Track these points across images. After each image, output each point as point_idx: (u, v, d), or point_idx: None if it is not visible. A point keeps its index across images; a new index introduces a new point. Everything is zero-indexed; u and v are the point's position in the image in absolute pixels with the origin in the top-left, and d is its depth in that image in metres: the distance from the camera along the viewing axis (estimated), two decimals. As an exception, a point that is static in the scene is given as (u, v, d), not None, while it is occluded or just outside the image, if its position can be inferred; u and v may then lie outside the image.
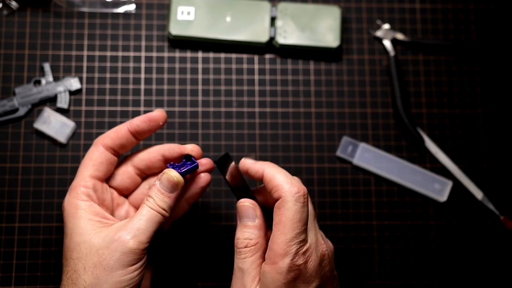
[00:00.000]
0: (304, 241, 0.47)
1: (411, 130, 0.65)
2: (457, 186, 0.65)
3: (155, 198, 0.50)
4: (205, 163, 0.54)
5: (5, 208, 0.62)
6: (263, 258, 0.49)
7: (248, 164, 0.51)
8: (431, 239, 0.64)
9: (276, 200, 0.48)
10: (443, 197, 0.64)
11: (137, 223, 0.48)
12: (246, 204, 0.50)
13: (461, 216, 0.65)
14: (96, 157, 0.52)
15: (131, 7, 0.67)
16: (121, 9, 0.67)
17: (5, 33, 0.65)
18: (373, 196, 0.65)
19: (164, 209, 0.50)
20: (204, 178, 0.54)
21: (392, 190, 0.65)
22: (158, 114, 0.53)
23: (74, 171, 0.62)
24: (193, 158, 0.53)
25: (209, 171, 0.54)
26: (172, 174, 0.50)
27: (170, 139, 0.64)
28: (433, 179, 0.65)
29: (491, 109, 0.68)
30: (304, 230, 0.47)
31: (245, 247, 0.49)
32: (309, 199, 0.49)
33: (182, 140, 0.64)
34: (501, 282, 0.64)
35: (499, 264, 0.64)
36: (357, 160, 0.65)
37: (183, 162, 0.53)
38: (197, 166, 0.53)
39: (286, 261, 0.46)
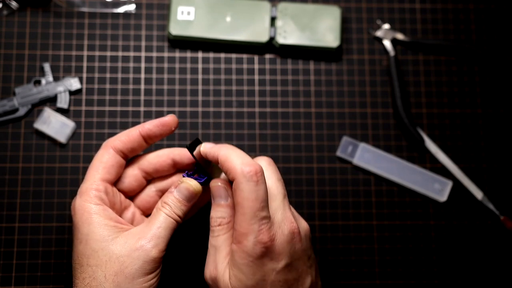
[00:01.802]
0: (266, 218, 0.46)
1: (411, 130, 0.65)
2: (457, 186, 0.65)
3: (172, 206, 0.50)
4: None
5: (5, 208, 0.62)
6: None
7: (207, 148, 0.51)
8: (431, 239, 0.64)
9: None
10: (443, 197, 0.64)
11: (157, 231, 0.48)
12: (218, 184, 0.50)
13: (461, 216, 0.65)
14: (106, 160, 0.52)
15: (131, 7, 0.67)
16: (121, 9, 0.67)
17: (5, 33, 0.65)
18: (373, 196, 0.65)
19: (180, 217, 0.50)
20: None
21: (392, 190, 0.65)
22: (170, 119, 0.53)
23: (74, 171, 0.63)
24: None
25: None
26: (192, 183, 0.51)
27: (170, 139, 0.64)
28: (433, 179, 0.65)
29: (491, 109, 0.68)
30: (263, 208, 0.46)
31: (218, 225, 0.49)
32: (276, 174, 0.50)
33: (182, 140, 0.64)
34: (501, 282, 0.64)
35: (499, 264, 0.64)
36: (357, 160, 0.65)
37: (196, 169, 0.53)
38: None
39: (250, 239, 0.46)
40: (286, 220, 0.48)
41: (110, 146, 0.52)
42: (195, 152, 0.51)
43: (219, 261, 0.48)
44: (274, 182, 0.50)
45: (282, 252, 0.47)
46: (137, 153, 0.54)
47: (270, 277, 0.47)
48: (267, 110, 0.66)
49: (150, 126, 0.52)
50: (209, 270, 0.49)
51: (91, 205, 0.49)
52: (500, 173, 0.66)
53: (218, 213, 0.50)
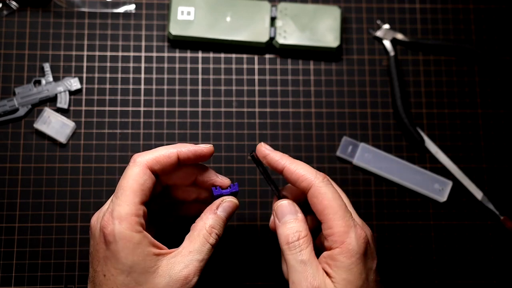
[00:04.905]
0: (352, 218, 0.48)
1: (411, 130, 0.65)
2: (457, 186, 0.65)
3: (217, 227, 0.50)
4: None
5: (5, 208, 0.62)
6: (314, 250, 0.49)
7: (267, 151, 0.52)
8: (431, 239, 0.64)
9: (303, 190, 0.50)
10: (443, 197, 0.64)
11: (199, 264, 0.48)
12: (285, 203, 0.51)
13: (461, 216, 0.65)
14: (144, 181, 0.48)
15: (131, 7, 0.67)
16: (121, 9, 0.67)
17: (5, 33, 0.65)
18: (373, 196, 0.65)
19: (219, 237, 0.50)
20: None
21: (392, 190, 0.65)
22: (208, 150, 0.52)
23: (74, 171, 0.62)
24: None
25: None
26: (234, 200, 0.52)
27: (171, 139, 0.64)
28: (433, 179, 0.65)
29: (491, 109, 0.68)
30: (347, 206, 0.48)
31: (298, 239, 0.49)
32: (335, 185, 0.52)
33: (182, 140, 0.64)
34: (501, 282, 0.64)
35: (499, 264, 0.64)
36: (357, 160, 0.65)
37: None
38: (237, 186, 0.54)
39: (352, 236, 0.46)
40: (362, 222, 0.51)
41: (146, 166, 0.49)
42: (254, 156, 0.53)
43: (315, 274, 0.47)
44: (338, 191, 0.51)
45: (373, 250, 0.48)
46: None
47: (370, 276, 0.47)
48: (267, 110, 0.66)
49: (189, 153, 0.51)
50: (307, 287, 0.47)
51: (133, 234, 0.46)
52: (500, 173, 0.66)
53: (293, 228, 0.49)
